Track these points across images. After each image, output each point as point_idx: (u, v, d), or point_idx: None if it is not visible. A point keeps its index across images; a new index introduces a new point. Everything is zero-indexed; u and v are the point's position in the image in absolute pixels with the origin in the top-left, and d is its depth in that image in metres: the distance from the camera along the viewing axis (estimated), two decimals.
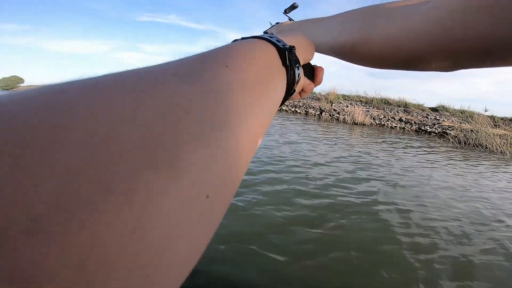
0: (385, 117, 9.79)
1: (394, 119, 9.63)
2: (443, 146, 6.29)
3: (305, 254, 1.69)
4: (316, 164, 3.61)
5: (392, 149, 5.34)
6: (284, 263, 1.59)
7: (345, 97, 12.64)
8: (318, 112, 10.68)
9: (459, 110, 10.15)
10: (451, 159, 5.00)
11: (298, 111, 11.33)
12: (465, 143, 6.86)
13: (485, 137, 6.83)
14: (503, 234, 2.16)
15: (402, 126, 8.99)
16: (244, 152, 0.15)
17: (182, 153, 0.10)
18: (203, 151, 0.11)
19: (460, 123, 8.71)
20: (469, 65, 0.28)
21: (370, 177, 3.29)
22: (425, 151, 5.60)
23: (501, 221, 2.38)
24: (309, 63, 0.36)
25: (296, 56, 0.25)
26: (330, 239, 1.88)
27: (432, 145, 6.42)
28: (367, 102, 12.03)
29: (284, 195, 2.50)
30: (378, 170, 3.64)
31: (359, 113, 9.42)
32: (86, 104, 0.09)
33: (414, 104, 11.12)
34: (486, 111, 9.73)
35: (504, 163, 5.07)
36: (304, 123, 7.80)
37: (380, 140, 6.25)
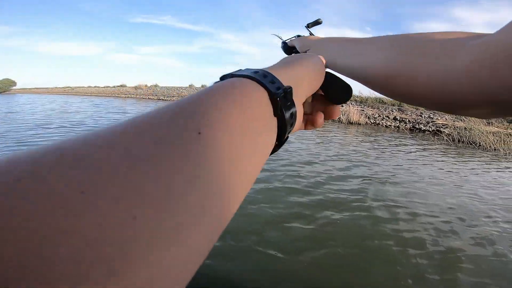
0: (379, 116, 9.86)
1: (389, 118, 9.70)
2: (437, 144, 6.35)
3: (298, 249, 1.74)
4: (310, 163, 3.65)
5: (386, 147, 5.39)
6: (280, 258, 1.64)
7: None
8: None
9: None
10: (445, 157, 5.05)
11: None
12: (459, 141, 6.92)
13: (478, 135, 6.89)
14: (490, 229, 2.20)
15: (397, 124, 9.05)
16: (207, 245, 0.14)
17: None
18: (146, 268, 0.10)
19: (454, 121, 8.79)
20: None
21: (363, 175, 3.34)
22: (418, 149, 5.66)
23: (489, 216, 2.42)
24: (340, 80, 0.34)
25: (292, 100, 0.22)
26: (322, 235, 1.93)
27: (426, 143, 6.48)
28: (362, 101, 12.10)
29: (277, 193, 2.53)
30: (371, 168, 3.68)
31: (354, 113, 9.48)
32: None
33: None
34: None
35: (497, 159, 5.13)
36: None
37: (374, 139, 6.31)
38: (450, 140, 6.88)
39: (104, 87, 31.31)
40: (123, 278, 0.09)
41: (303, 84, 0.26)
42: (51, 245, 0.08)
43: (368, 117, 9.70)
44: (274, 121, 0.20)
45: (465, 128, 7.52)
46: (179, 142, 0.13)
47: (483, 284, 1.55)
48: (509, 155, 5.61)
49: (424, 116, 9.57)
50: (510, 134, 6.92)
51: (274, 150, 0.23)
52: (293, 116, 0.22)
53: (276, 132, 0.21)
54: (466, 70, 0.24)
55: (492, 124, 8.31)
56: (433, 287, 1.51)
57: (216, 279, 1.45)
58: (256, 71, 0.21)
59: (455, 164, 4.52)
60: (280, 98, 0.20)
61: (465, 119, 8.61)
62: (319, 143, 5.28)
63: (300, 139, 5.29)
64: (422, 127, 8.58)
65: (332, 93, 0.34)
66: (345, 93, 0.34)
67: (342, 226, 2.06)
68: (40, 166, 0.09)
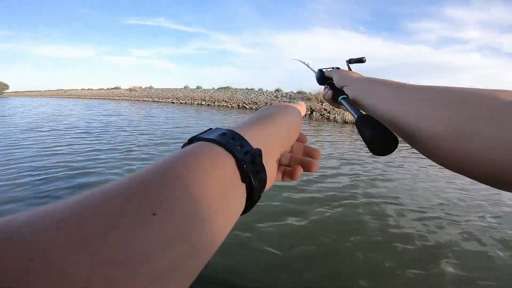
0: None
1: None
2: None
3: (292, 243, 1.79)
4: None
5: None
6: (274, 252, 1.68)
7: None
8: (309, 112, 10.76)
9: None
10: None
11: None
12: None
13: None
14: (478, 223, 2.22)
15: None
16: None
17: None
18: None
19: None
20: None
21: (356, 173, 3.35)
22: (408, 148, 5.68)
23: (477, 211, 2.45)
24: (385, 130, 0.32)
25: (261, 164, 0.22)
26: (313, 230, 1.95)
27: None
28: None
29: (270, 192, 2.53)
30: (364, 166, 3.70)
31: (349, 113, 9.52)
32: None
33: None
34: None
35: None
36: None
37: None
38: None
39: (98, 90, 31.08)
40: None
41: (277, 143, 0.25)
42: None
43: None
44: (242, 187, 0.20)
45: None
46: (129, 224, 0.13)
47: (469, 278, 1.56)
48: None
49: None
50: None
51: (244, 212, 0.22)
52: (262, 180, 0.22)
53: (245, 196, 0.21)
54: None
55: None
56: (417, 279, 1.53)
57: (210, 273, 1.47)
58: (224, 133, 0.21)
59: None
60: (247, 164, 0.20)
61: None
62: (314, 142, 5.30)
63: None
64: None
65: (375, 143, 0.32)
66: (390, 145, 0.31)
67: (332, 221, 2.08)
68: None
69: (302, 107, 0.34)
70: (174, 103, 16.49)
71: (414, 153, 4.86)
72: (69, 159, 3.58)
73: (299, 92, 15.08)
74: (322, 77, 0.60)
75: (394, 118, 0.33)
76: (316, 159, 0.32)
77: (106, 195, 0.14)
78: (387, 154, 0.31)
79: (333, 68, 0.60)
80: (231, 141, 0.20)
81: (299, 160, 0.31)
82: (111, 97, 22.55)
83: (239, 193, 0.20)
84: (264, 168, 0.22)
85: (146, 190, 0.15)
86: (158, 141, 4.91)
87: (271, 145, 0.24)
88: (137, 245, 0.13)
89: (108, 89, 29.40)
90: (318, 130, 6.99)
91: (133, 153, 4.00)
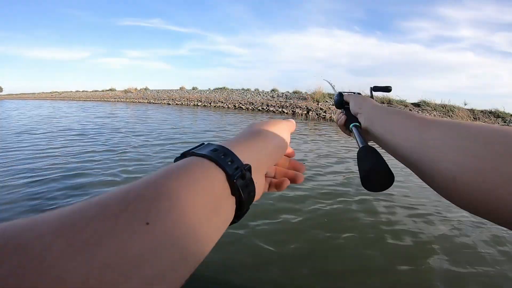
0: None
1: None
2: None
3: (285, 240, 1.80)
4: (301, 161, 3.66)
5: (374, 144, 5.44)
6: (268, 248, 1.69)
7: (331, 96, 12.81)
8: (305, 112, 10.79)
9: (440, 104, 10.41)
10: None
11: (285, 111, 11.42)
12: None
13: None
14: (469, 220, 2.24)
15: None
16: None
17: None
18: None
19: (442, 117, 8.96)
20: None
21: (351, 170, 3.37)
22: None
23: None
24: (383, 166, 0.31)
25: (250, 179, 0.23)
26: (308, 227, 1.97)
27: None
28: None
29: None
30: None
31: None
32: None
33: (397, 100, 11.36)
34: (465, 104, 10.02)
35: None
36: None
37: None
38: None
39: (92, 92, 30.79)
40: None
41: (265, 158, 0.27)
42: None
43: None
44: (231, 200, 0.21)
45: None
46: (124, 232, 0.14)
47: (459, 274, 1.58)
48: None
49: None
50: None
51: (234, 221, 0.23)
52: (251, 194, 0.23)
53: (234, 208, 0.22)
54: None
55: (478, 119, 8.50)
56: (408, 275, 1.54)
57: (203, 269, 1.46)
58: (216, 149, 0.22)
59: None
60: (237, 179, 0.21)
61: (452, 114, 8.77)
62: (309, 141, 5.31)
63: (292, 137, 5.30)
64: None
65: (370, 176, 0.29)
66: (385, 183, 0.29)
67: (327, 220, 2.09)
68: None
69: (291, 124, 0.35)
70: (170, 104, 16.42)
71: None
72: (64, 161, 3.55)
73: (295, 92, 15.11)
74: (340, 101, 0.57)
75: (410, 155, 0.31)
76: (301, 171, 0.34)
77: (102, 205, 0.15)
78: (379, 191, 0.29)
79: (354, 93, 0.57)
80: (222, 157, 0.21)
81: (283, 172, 0.33)
82: (106, 99, 22.39)
83: (229, 205, 0.21)
84: (253, 182, 0.23)
85: (140, 201, 0.16)
86: (154, 143, 4.89)
87: (260, 161, 0.26)
88: (130, 251, 0.13)
89: (103, 90, 29.16)
90: (314, 130, 7.01)
91: (128, 154, 3.98)
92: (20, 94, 45.91)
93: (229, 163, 0.21)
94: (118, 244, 0.13)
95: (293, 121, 0.36)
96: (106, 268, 0.12)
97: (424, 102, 10.86)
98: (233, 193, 0.21)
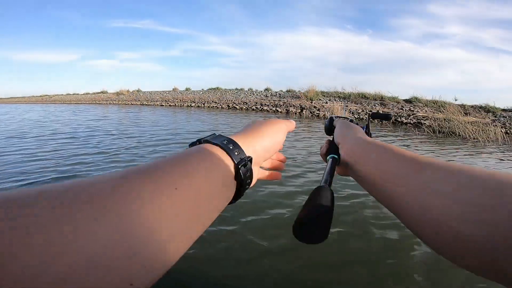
0: (363, 111, 10.05)
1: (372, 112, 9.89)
2: (418, 136, 6.53)
3: (276, 234, 1.82)
4: (293, 159, 3.68)
5: None
6: (259, 243, 1.71)
7: (324, 94, 12.88)
8: (299, 110, 10.83)
9: (431, 100, 10.54)
10: (426, 146, 5.21)
11: (279, 110, 11.44)
12: (439, 132, 7.11)
13: (457, 125, 7.09)
14: None
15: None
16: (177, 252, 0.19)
17: None
18: None
19: (434, 113, 9.06)
20: None
21: None
22: (401, 140, 5.81)
23: None
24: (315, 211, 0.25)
25: (251, 168, 0.28)
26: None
27: (408, 135, 6.66)
28: (345, 97, 12.32)
29: (256, 186, 2.54)
30: None
31: (338, 109, 9.63)
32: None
33: (390, 97, 11.48)
34: (456, 100, 10.16)
35: (477, 150, 5.32)
36: None
37: None
38: (430, 131, 7.07)
39: (84, 94, 30.39)
40: None
41: (263, 152, 0.32)
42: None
43: (352, 113, 9.87)
44: (234, 183, 0.26)
45: (445, 119, 7.75)
46: (160, 194, 0.19)
47: (440, 261, 1.59)
48: (487, 143, 5.84)
49: (405, 109, 9.83)
50: (488, 124, 7.18)
51: (231, 202, 0.28)
52: (250, 180, 0.28)
53: (234, 190, 0.27)
54: None
55: (469, 114, 8.62)
56: (392, 265, 1.56)
57: (193, 264, 1.46)
58: (226, 141, 0.27)
59: (433, 152, 4.66)
60: (241, 167, 0.26)
61: (444, 110, 8.89)
62: (302, 139, 5.33)
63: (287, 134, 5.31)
64: (404, 120, 8.81)
65: (307, 223, 0.24)
66: (317, 237, 0.24)
67: None
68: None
69: (290, 124, 0.39)
70: (163, 105, 16.33)
71: (403, 147, 4.95)
72: (56, 164, 3.50)
73: (288, 91, 15.15)
74: (329, 127, 0.50)
75: (400, 202, 0.26)
76: (284, 162, 0.42)
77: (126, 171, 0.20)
78: (304, 242, 0.24)
79: (346, 118, 0.49)
80: (230, 148, 0.26)
81: (271, 162, 0.40)
82: (98, 102, 22.15)
83: (232, 186, 0.26)
84: (252, 171, 0.28)
85: (170, 171, 0.21)
86: (147, 144, 4.86)
87: (258, 154, 0.31)
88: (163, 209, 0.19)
89: (94, 93, 28.84)
90: (308, 127, 7.04)
91: (121, 156, 3.95)
92: (10, 98, 45.14)
93: (236, 153, 0.26)
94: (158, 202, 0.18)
95: (293, 122, 0.41)
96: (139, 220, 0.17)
97: (416, 98, 10.97)
98: (235, 178, 0.26)
